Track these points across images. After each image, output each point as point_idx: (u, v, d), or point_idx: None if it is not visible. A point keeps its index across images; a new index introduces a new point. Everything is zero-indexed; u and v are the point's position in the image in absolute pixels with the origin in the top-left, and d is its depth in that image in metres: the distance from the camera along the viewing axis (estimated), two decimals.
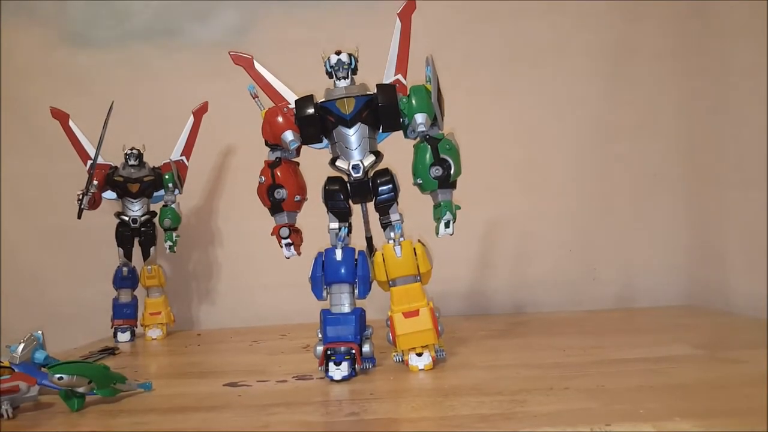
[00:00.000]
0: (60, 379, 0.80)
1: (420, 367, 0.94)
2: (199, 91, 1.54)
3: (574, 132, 1.64)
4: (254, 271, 1.64)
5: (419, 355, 0.94)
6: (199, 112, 1.49)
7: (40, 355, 0.84)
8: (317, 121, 0.97)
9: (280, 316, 1.54)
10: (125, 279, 1.48)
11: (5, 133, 1.73)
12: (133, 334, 1.48)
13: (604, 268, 1.63)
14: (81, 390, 0.82)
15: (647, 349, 1.01)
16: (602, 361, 0.96)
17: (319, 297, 0.97)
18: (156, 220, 1.50)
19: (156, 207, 1.51)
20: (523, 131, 1.65)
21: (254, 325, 1.55)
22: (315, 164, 1.04)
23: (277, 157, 1.00)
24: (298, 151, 1.02)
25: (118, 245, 1.48)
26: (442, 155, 0.95)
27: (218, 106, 1.52)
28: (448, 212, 0.95)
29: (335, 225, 0.99)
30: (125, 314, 1.48)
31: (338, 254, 0.96)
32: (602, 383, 0.81)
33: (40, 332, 0.86)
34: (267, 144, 1.01)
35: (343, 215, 0.99)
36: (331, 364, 0.91)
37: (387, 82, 1.00)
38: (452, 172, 0.96)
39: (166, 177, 1.47)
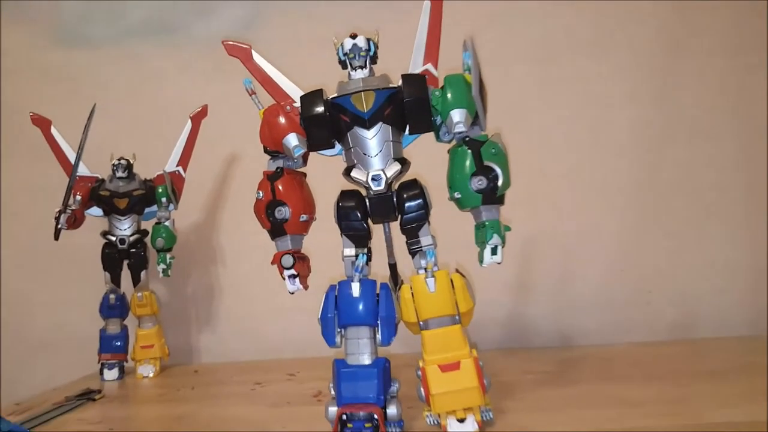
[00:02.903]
0: None
1: None
2: (200, 93, 1.42)
3: (622, 138, 1.47)
4: (260, 294, 1.47)
5: (461, 420, 0.74)
6: (198, 117, 1.35)
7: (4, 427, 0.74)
8: (328, 122, 0.80)
9: (289, 346, 1.39)
10: (113, 308, 1.32)
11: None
12: (122, 370, 1.32)
13: (659, 291, 1.45)
14: None
15: (740, 409, 0.80)
16: (690, 424, 0.75)
17: (331, 343, 0.79)
18: (148, 239, 1.34)
19: (148, 225, 1.35)
20: (565, 136, 1.47)
21: (259, 358, 1.40)
22: (326, 175, 0.87)
23: (278, 168, 0.84)
24: (304, 159, 0.86)
25: (105, 269, 1.32)
26: (486, 162, 0.77)
27: (221, 109, 1.38)
28: (495, 235, 0.76)
29: (351, 252, 0.81)
30: (114, 347, 1.32)
31: (355, 289, 0.78)
32: None
33: None
34: (266, 151, 0.85)
35: (360, 239, 0.81)
36: None
37: (414, 72, 0.82)
38: (500, 183, 0.77)
39: (159, 191, 1.32)
